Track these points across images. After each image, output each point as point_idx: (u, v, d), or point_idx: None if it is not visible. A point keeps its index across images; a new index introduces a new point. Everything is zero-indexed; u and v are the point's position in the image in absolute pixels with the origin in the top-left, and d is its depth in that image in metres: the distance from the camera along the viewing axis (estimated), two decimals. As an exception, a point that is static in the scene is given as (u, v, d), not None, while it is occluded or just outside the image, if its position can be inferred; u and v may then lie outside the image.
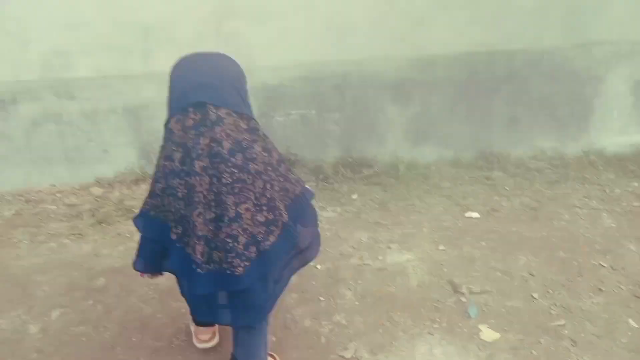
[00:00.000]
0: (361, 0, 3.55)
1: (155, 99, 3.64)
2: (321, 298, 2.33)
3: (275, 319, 2.19)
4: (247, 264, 1.51)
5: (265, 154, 1.54)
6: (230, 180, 1.47)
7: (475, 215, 3.03)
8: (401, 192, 3.36)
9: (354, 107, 3.79)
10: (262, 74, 3.61)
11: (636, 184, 3.38)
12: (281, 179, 1.58)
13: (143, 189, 3.54)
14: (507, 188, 3.40)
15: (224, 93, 1.52)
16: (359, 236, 2.84)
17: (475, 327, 2.12)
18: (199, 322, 2.05)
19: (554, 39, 3.73)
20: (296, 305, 2.29)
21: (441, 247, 2.69)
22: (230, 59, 1.65)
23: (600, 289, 2.29)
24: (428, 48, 3.71)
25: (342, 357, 2.01)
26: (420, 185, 3.46)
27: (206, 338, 2.08)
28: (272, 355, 2.04)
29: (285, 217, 1.56)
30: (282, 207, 1.56)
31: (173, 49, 3.51)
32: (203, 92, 1.49)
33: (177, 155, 1.51)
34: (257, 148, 1.52)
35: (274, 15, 3.53)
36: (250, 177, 1.49)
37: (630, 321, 2.09)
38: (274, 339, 2.10)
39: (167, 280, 2.49)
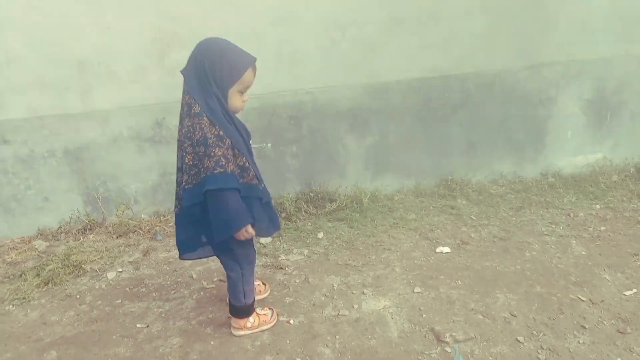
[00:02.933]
0: (311, 28, 3.45)
1: (98, 138, 3.40)
2: (298, 359, 2.17)
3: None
4: (178, 207, 2.06)
5: (191, 131, 1.88)
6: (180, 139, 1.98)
7: (446, 250, 2.96)
8: (367, 228, 3.25)
9: (311, 139, 3.67)
10: (213, 108, 3.43)
11: (598, 207, 3.41)
12: (196, 158, 1.89)
13: (91, 240, 3.27)
14: (473, 217, 3.36)
15: (192, 83, 1.89)
16: (330, 282, 2.70)
17: (464, 380, 2.02)
18: None
19: (504, 62, 3.76)
20: (273, 370, 2.12)
21: (417, 290, 2.58)
22: (210, 45, 1.90)
23: (583, 327, 2.25)
24: (381, 75, 3.66)
25: None
26: (386, 219, 3.36)
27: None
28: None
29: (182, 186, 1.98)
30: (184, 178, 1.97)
31: (113, 84, 3.33)
32: (186, 83, 1.93)
33: None
34: (188, 122, 1.90)
35: (222, 46, 3.36)
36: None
37: (619, 361, 2.05)
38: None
39: (127, 350, 2.27)
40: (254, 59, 1.92)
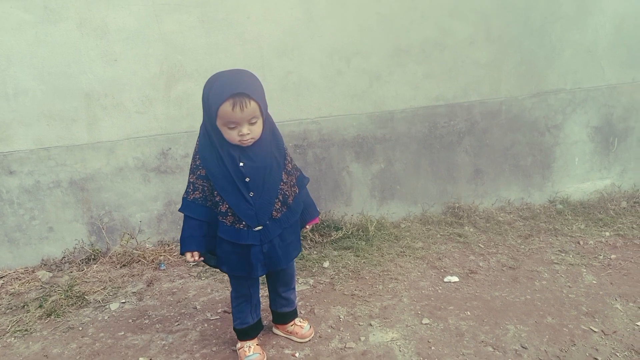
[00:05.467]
0: (316, 58, 3.47)
1: (103, 168, 3.40)
2: (304, 393, 2.11)
3: None
4: None
5: None
6: None
7: (454, 279, 2.91)
8: (374, 257, 3.21)
9: (316, 167, 3.66)
10: (218, 137, 3.45)
11: (608, 234, 3.36)
12: None
13: (95, 270, 3.24)
14: (481, 245, 3.32)
15: None
16: (336, 313, 2.65)
17: (474, 415, 1.96)
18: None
19: (510, 90, 3.76)
20: (277, 405, 2.06)
21: (425, 321, 2.53)
22: (210, 77, 1.87)
23: (596, 359, 2.18)
24: (387, 103, 3.66)
25: None
26: (393, 247, 3.32)
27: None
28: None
29: None
30: None
31: (120, 115, 3.35)
32: None
33: None
34: None
35: (227, 76, 3.38)
36: None
37: (635, 396, 1.98)
38: None
39: (129, 385, 2.22)
40: (229, 94, 1.76)
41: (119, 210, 3.47)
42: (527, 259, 3.12)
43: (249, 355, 2.25)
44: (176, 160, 3.45)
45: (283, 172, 2.06)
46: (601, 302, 2.61)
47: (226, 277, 3.10)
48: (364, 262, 3.17)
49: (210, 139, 1.91)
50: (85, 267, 3.29)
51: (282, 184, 2.05)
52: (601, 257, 3.08)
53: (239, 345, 2.32)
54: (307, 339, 2.42)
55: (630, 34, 3.75)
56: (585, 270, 2.95)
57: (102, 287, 3.06)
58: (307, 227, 2.29)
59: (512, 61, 3.70)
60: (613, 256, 3.08)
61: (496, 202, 3.88)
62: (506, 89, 3.75)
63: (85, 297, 2.94)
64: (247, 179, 1.94)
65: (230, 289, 2.28)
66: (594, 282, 2.82)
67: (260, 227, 2.02)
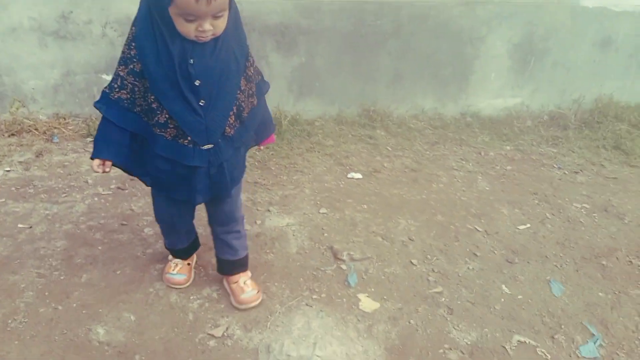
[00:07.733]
0: None
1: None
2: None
3: (136, 294, 1.95)
4: None
5: None
6: None
7: (357, 176, 2.94)
8: (283, 150, 3.17)
9: (233, 53, 3.47)
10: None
11: (508, 147, 3.50)
12: None
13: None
14: (389, 148, 3.35)
15: None
16: (235, 197, 2.62)
17: (354, 296, 2.03)
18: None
19: (440, -5, 3.67)
20: (160, 278, 2.04)
21: (322, 210, 2.55)
22: None
23: (475, 254, 2.31)
24: (315, -7, 3.48)
25: (212, 335, 1.82)
26: (303, 143, 3.29)
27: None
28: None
29: None
30: None
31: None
32: None
33: None
34: None
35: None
36: None
37: (504, 287, 2.13)
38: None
39: (4, 249, 2.11)
40: None
41: (10, 74, 3.16)
42: (430, 163, 3.20)
43: (172, 273, 2.04)
44: (78, 25, 3.15)
45: (242, 78, 1.60)
46: (489, 206, 2.74)
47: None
48: (272, 153, 3.13)
49: (154, 26, 1.43)
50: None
51: (239, 92, 1.60)
52: (498, 167, 3.21)
53: (170, 257, 2.11)
54: (243, 306, 1.95)
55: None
56: (481, 177, 3.07)
57: (-15, 154, 2.84)
58: (261, 147, 1.93)
59: (445, -35, 3.59)
60: (509, 167, 3.22)
61: (411, 110, 3.90)
62: (436, -7, 3.66)
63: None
64: (197, 82, 1.48)
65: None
66: (487, 188, 2.94)
67: (210, 146, 1.61)
